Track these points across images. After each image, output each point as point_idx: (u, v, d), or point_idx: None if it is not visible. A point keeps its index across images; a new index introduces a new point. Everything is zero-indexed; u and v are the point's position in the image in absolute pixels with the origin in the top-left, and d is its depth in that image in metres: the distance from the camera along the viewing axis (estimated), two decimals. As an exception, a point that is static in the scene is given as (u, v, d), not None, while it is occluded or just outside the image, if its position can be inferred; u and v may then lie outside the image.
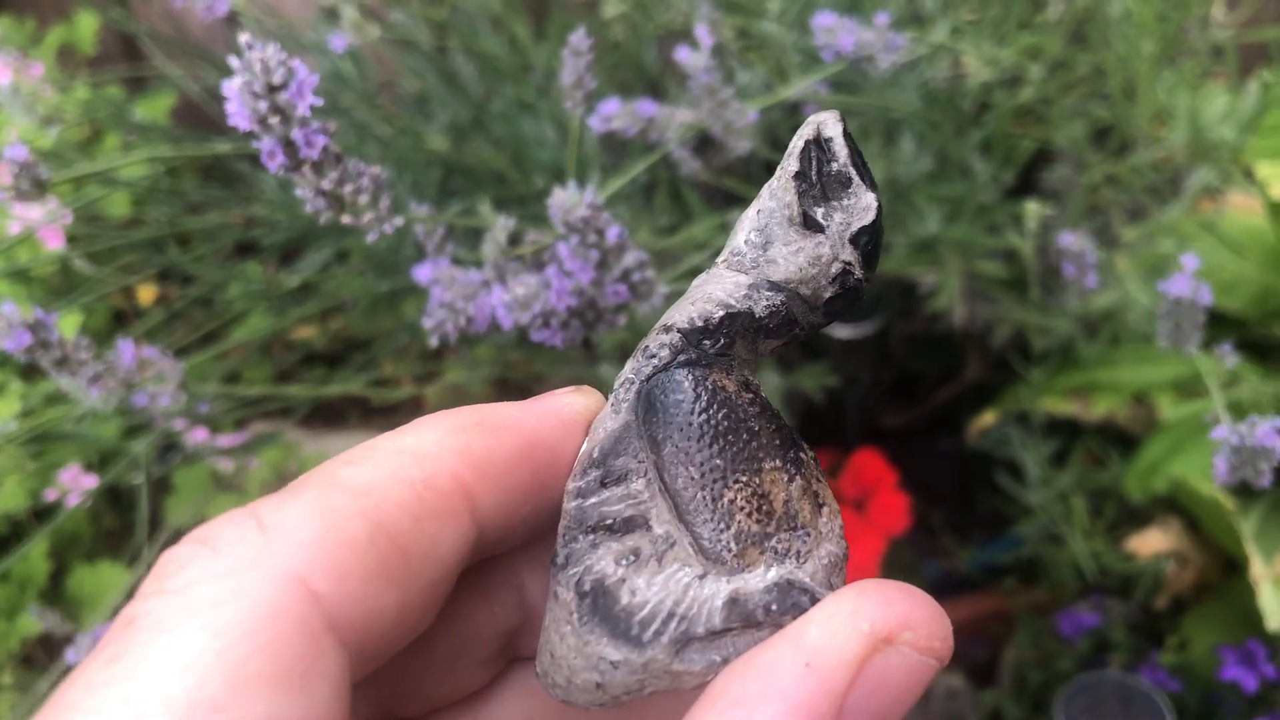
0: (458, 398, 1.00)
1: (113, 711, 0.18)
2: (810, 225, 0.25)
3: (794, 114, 0.91)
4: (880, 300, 1.07)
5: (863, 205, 0.26)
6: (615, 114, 0.55)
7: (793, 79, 0.70)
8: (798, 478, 0.25)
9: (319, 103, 0.35)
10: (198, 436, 1.05)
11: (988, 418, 1.04)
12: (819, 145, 0.26)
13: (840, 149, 0.26)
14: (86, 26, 1.34)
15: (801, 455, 0.25)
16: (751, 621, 0.24)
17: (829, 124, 0.26)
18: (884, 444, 1.06)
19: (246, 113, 0.34)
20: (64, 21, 1.35)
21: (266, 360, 1.14)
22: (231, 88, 0.34)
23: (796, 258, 0.25)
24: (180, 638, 0.19)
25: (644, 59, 0.96)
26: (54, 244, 1.05)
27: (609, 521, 0.25)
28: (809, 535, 0.25)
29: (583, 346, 1.00)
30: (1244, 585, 0.87)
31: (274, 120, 0.35)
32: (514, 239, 0.50)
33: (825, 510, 0.25)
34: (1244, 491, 0.93)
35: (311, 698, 0.19)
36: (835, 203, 0.26)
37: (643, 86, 0.97)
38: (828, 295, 0.26)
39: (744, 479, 0.24)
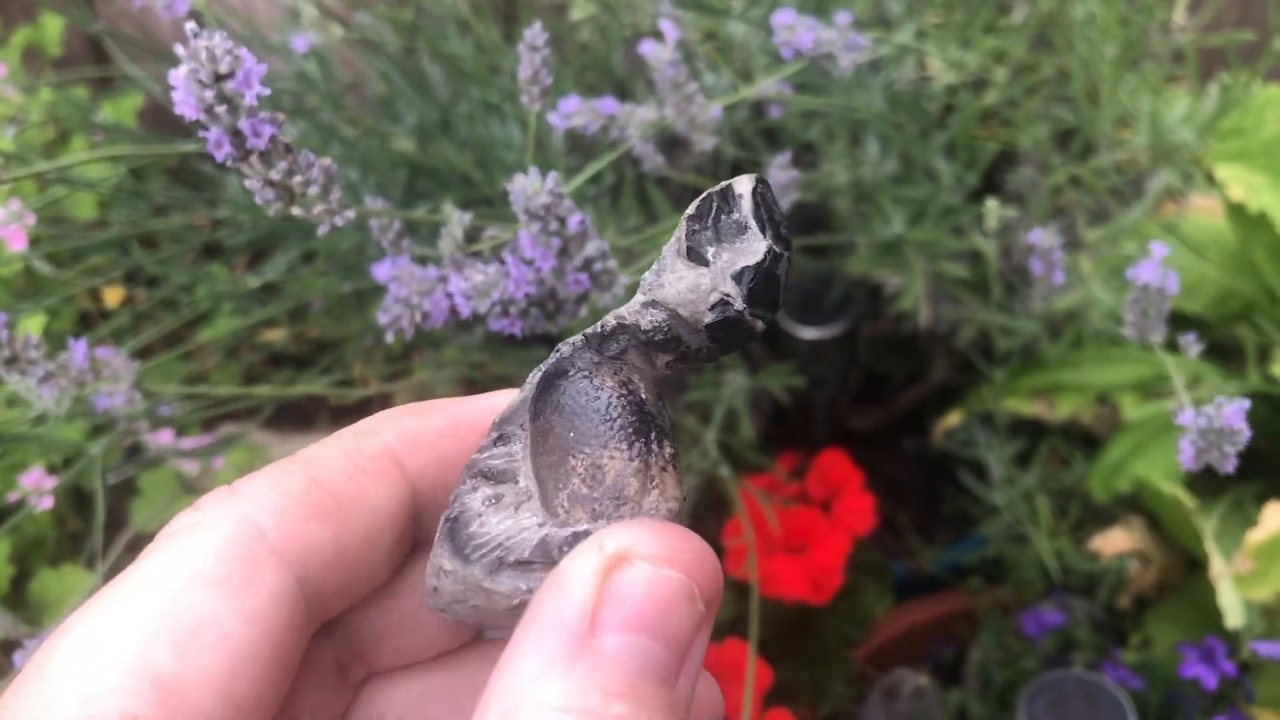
0: (424, 397, 1.00)
1: (132, 594, 0.26)
2: (694, 258, 0.29)
3: (760, 114, 0.91)
4: (847, 302, 1.07)
5: (752, 249, 0.29)
6: (575, 111, 0.56)
7: (757, 79, 0.70)
8: (635, 460, 0.29)
9: (266, 92, 0.35)
10: (162, 439, 1.04)
11: (953, 418, 1.04)
12: (723, 197, 0.30)
13: (745, 203, 0.30)
14: (52, 27, 1.33)
15: (653, 447, 0.30)
16: (549, 560, 0.28)
17: (741, 182, 0.30)
18: (851, 445, 1.06)
19: (193, 101, 0.34)
20: (29, 22, 1.34)
21: (234, 362, 1.13)
22: (178, 76, 0.34)
23: (678, 284, 0.29)
24: (169, 553, 0.27)
25: (612, 62, 0.96)
26: (17, 246, 1.05)
27: (488, 471, 0.30)
28: (628, 506, 0.29)
29: (546, 345, 1.00)
30: (1205, 584, 0.87)
31: (221, 109, 0.35)
32: (472, 235, 0.50)
33: (655, 492, 0.29)
34: (1205, 490, 0.94)
35: (250, 597, 0.26)
36: (726, 244, 0.30)
37: (610, 89, 0.97)
38: (706, 320, 0.29)
39: (586, 452, 0.29)
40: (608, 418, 0.29)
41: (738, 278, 0.29)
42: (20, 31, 1.32)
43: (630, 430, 0.29)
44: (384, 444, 0.30)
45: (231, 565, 0.27)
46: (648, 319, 0.30)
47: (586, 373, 0.30)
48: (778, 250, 0.29)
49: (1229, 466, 0.50)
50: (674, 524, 0.27)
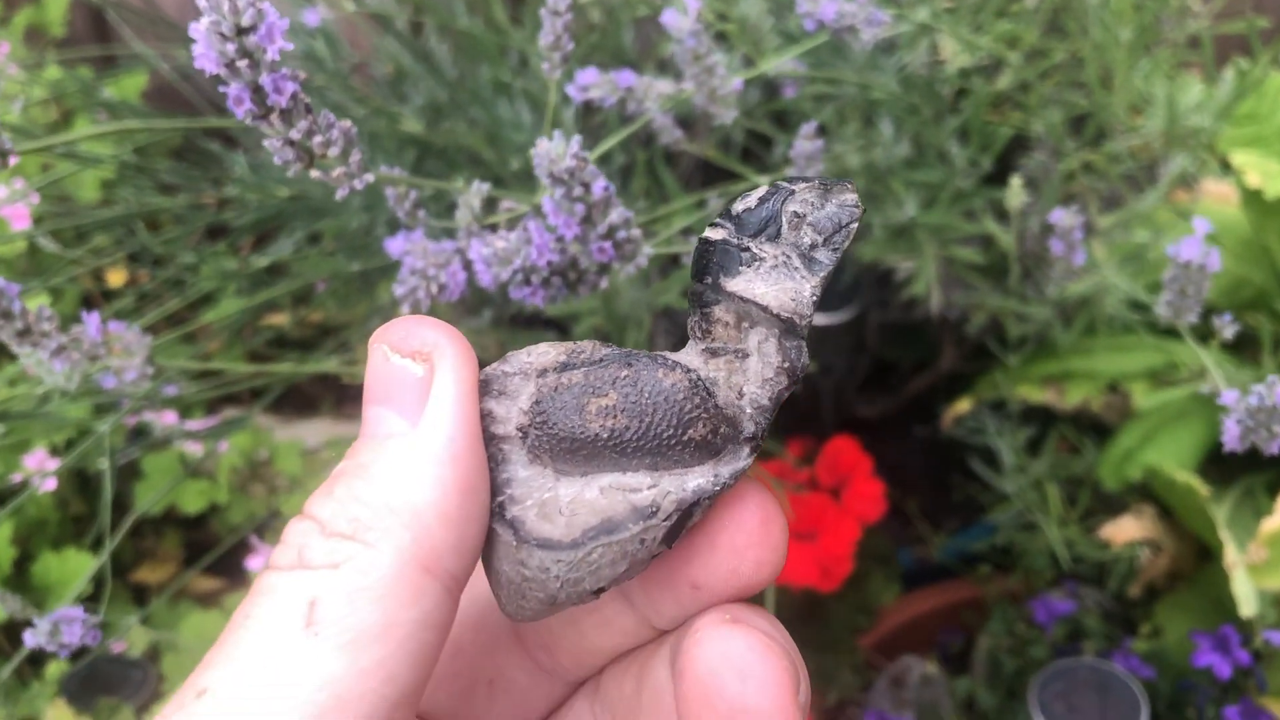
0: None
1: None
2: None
3: (772, 96, 0.91)
4: (856, 287, 1.07)
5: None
6: (593, 83, 0.55)
7: (770, 58, 0.70)
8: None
9: (289, 47, 0.34)
10: (167, 420, 1.03)
11: (962, 405, 1.03)
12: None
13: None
14: (55, 8, 1.32)
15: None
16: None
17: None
18: (859, 432, 1.06)
19: (214, 55, 0.33)
20: (32, 2, 1.34)
21: (237, 345, 1.13)
22: (199, 29, 0.33)
23: None
24: None
25: (622, 42, 0.95)
26: (20, 225, 1.04)
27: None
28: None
29: (556, 329, 0.99)
30: (1216, 573, 0.87)
31: (242, 64, 0.34)
32: (488, 208, 0.50)
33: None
34: (1217, 478, 0.93)
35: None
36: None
37: (621, 68, 0.96)
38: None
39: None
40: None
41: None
42: (23, 11, 1.31)
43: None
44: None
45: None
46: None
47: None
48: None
49: (1275, 448, 0.49)
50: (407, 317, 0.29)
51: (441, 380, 0.28)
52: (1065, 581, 0.99)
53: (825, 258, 0.29)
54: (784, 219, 0.29)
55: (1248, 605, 0.83)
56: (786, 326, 0.29)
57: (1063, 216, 0.65)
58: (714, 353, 0.29)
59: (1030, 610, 0.96)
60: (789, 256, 0.29)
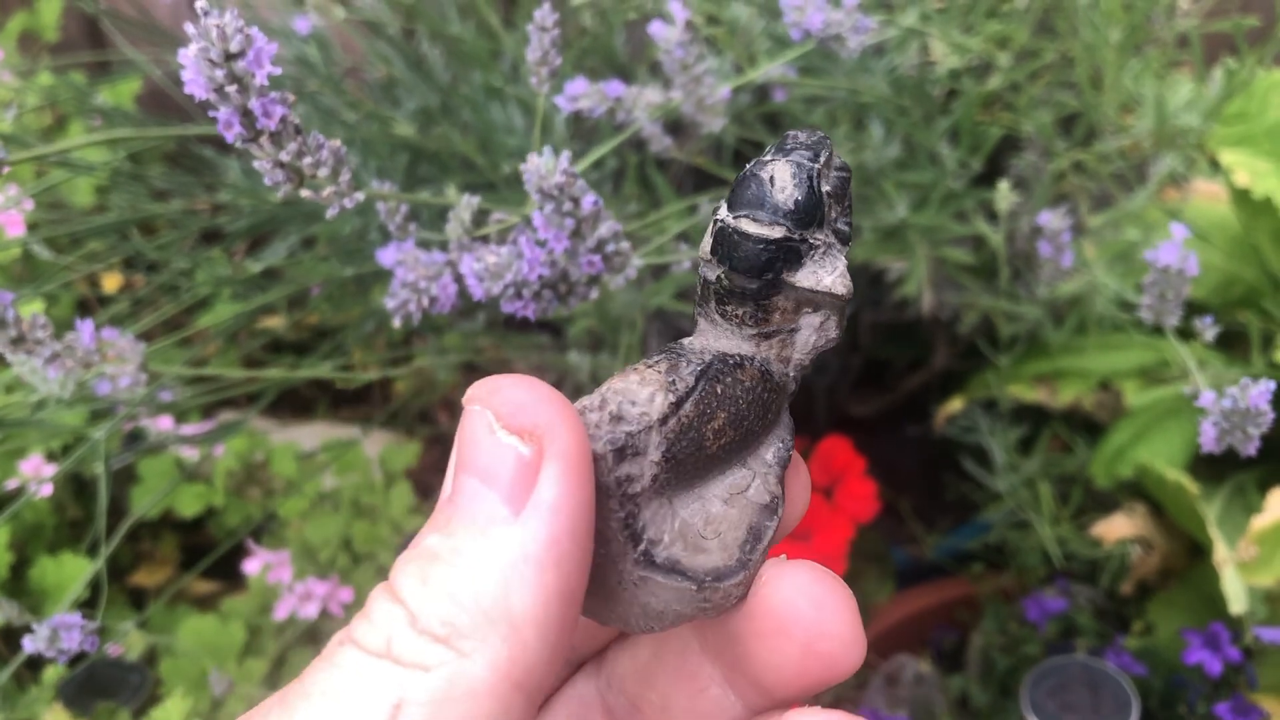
0: (426, 382, 1.00)
1: None
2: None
3: (763, 99, 0.91)
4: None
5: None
6: (582, 94, 0.55)
7: (760, 63, 0.70)
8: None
9: (277, 71, 0.34)
10: (162, 425, 1.04)
11: (955, 404, 1.04)
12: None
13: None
14: (49, 12, 1.32)
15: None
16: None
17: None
18: (852, 432, 1.06)
19: (203, 81, 0.34)
20: (25, 8, 1.34)
21: (233, 348, 1.13)
22: (188, 55, 0.34)
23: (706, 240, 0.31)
24: None
25: (613, 46, 0.95)
26: (15, 231, 1.04)
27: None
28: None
29: (550, 331, 0.99)
30: (1208, 570, 0.87)
31: (231, 89, 0.34)
32: (478, 220, 0.50)
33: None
34: (1207, 476, 0.94)
35: None
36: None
37: (612, 73, 0.96)
38: (706, 247, 0.30)
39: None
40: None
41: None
42: (17, 17, 1.31)
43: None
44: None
45: None
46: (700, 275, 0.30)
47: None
48: (766, 159, 0.29)
49: (1251, 449, 0.50)
50: (502, 376, 0.27)
51: (550, 471, 0.25)
52: (1057, 579, 1.00)
53: (845, 225, 0.30)
54: (825, 203, 0.29)
55: (1238, 602, 0.83)
56: (845, 303, 0.30)
57: (1050, 219, 0.65)
58: (766, 335, 0.30)
59: (1023, 608, 0.96)
60: (829, 236, 0.30)
